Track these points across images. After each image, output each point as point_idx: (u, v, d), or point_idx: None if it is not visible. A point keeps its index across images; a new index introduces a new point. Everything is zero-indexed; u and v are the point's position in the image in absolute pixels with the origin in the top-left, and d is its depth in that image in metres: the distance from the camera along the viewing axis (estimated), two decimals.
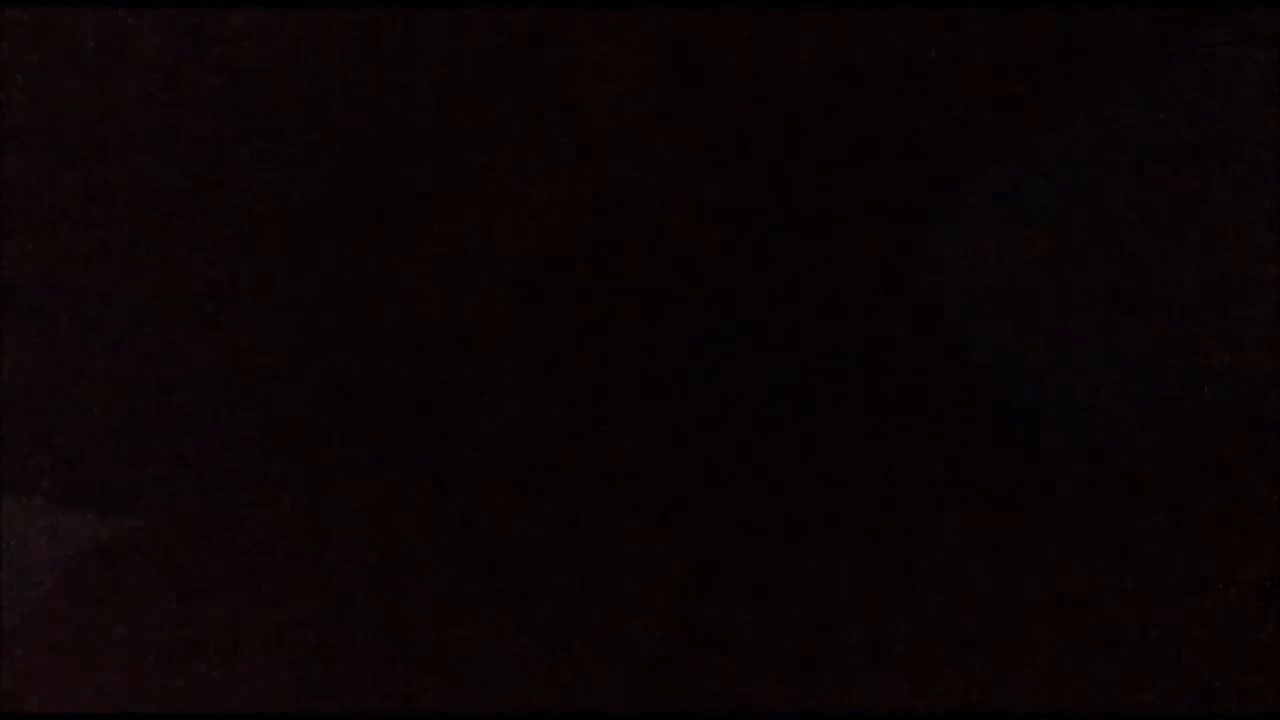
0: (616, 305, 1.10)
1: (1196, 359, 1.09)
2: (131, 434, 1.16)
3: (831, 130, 1.09)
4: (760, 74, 1.09)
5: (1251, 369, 1.09)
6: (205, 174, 1.13)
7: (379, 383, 1.13)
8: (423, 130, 1.11)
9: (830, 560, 1.10)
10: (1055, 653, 1.06)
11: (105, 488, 1.19)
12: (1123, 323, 1.11)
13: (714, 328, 1.10)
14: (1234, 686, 1.03)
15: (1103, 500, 1.10)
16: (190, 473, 1.16)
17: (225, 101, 1.12)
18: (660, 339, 1.10)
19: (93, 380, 1.16)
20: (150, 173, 1.13)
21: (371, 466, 1.13)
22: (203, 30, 1.10)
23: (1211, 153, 1.10)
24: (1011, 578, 1.08)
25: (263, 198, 1.13)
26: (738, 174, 1.10)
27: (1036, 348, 1.11)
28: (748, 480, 1.11)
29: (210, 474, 1.16)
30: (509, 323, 1.11)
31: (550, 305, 1.11)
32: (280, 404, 1.14)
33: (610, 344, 1.10)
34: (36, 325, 1.15)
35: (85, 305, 1.15)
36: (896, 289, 1.12)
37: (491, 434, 1.12)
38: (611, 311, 1.10)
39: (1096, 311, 1.11)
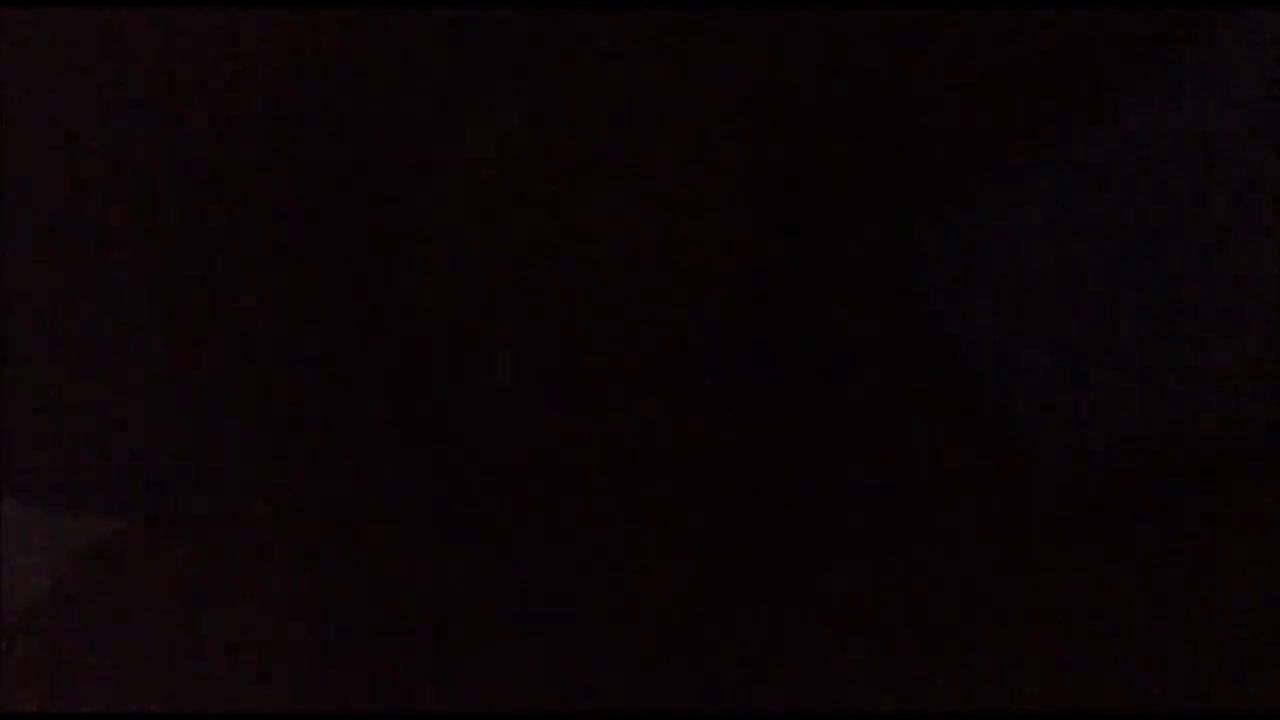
0: (616, 305, 1.10)
1: (1196, 359, 1.10)
2: (131, 434, 1.16)
3: (831, 130, 1.09)
4: (761, 74, 1.09)
5: (1251, 369, 1.09)
6: (206, 174, 1.13)
7: (380, 383, 1.13)
8: (424, 131, 1.12)
9: (830, 561, 1.10)
10: (1055, 653, 1.06)
11: (105, 488, 1.19)
12: (1123, 323, 1.11)
13: (714, 328, 1.10)
14: (1234, 686, 1.03)
15: (1102, 501, 1.10)
16: (190, 473, 1.16)
17: (226, 102, 1.12)
18: (659, 339, 1.10)
19: (93, 380, 1.16)
20: (150, 173, 1.13)
21: (373, 467, 1.13)
22: (204, 31, 1.10)
23: (1212, 153, 1.10)
24: (1011, 578, 1.08)
25: (263, 198, 1.13)
26: (737, 174, 1.10)
27: (1036, 347, 1.11)
28: (747, 481, 1.11)
29: (210, 474, 1.16)
30: (510, 324, 1.11)
31: (549, 304, 1.11)
32: (280, 404, 1.14)
33: (610, 344, 1.10)
34: (36, 325, 1.15)
35: (85, 305, 1.15)
36: (896, 289, 1.12)
37: (493, 434, 1.12)
38: (610, 311, 1.10)
39: (1097, 311, 1.11)
